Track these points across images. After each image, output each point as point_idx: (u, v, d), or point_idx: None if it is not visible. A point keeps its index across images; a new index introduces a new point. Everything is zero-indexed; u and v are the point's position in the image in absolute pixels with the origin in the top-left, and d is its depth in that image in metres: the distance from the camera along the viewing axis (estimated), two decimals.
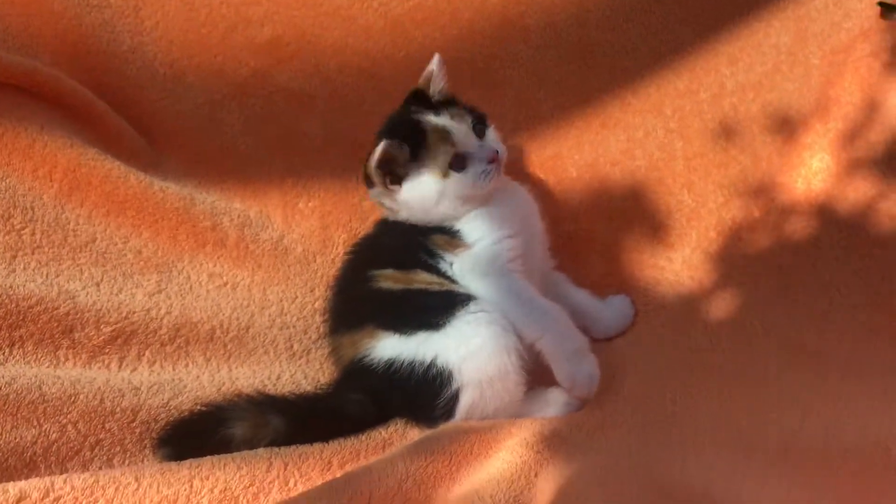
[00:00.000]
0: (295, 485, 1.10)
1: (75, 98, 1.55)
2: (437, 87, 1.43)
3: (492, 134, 1.41)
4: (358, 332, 1.32)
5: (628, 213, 1.58)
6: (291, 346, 1.49)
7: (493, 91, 1.63)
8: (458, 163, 1.34)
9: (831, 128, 1.35)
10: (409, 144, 1.34)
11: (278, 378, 1.41)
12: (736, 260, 1.40)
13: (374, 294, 1.33)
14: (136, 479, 1.04)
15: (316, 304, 1.55)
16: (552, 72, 1.67)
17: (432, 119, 1.37)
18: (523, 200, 1.46)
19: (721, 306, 1.34)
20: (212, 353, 1.40)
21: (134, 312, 1.37)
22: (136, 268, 1.45)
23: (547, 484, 1.04)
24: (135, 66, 1.66)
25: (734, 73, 1.52)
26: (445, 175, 1.34)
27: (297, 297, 1.55)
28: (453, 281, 1.33)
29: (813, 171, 1.35)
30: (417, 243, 1.36)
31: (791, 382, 1.12)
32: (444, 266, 1.34)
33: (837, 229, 1.27)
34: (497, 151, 1.35)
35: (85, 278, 1.39)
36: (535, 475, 1.05)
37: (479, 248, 1.34)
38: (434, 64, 1.43)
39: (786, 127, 1.43)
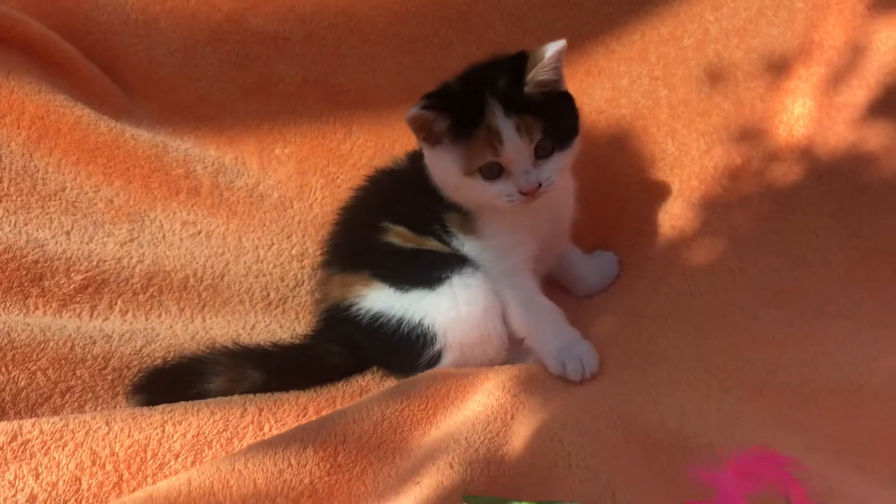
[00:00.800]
0: (270, 430, 1.11)
1: (44, 43, 1.53)
2: (540, 76, 1.19)
3: (559, 160, 1.21)
4: (352, 276, 1.31)
5: (613, 162, 1.57)
6: (268, 295, 1.48)
7: (474, 35, 1.62)
8: (490, 171, 1.19)
9: (814, 72, 1.34)
10: (457, 119, 1.18)
11: (253, 327, 1.41)
12: (717, 208, 1.40)
13: (380, 245, 1.31)
14: (107, 424, 1.04)
15: (293, 251, 1.54)
16: (536, 17, 1.65)
17: (497, 116, 1.17)
18: (558, 195, 1.30)
19: (700, 253, 1.34)
20: (185, 302, 1.40)
21: (105, 261, 1.35)
22: (108, 217, 1.44)
23: (522, 427, 1.05)
24: (106, 11, 1.63)
25: (718, 18, 1.50)
26: (470, 174, 1.20)
27: (273, 244, 1.54)
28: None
29: (795, 117, 1.35)
30: (435, 213, 1.29)
31: (767, 323, 1.13)
32: (455, 244, 1.30)
33: (817, 175, 1.27)
34: (539, 185, 1.18)
35: (55, 227, 1.38)
36: (512, 418, 1.06)
37: (489, 243, 1.28)
38: (550, 50, 1.18)
39: (769, 73, 1.42)
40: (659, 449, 0.95)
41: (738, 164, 1.41)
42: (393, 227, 1.30)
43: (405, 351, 1.26)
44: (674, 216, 1.46)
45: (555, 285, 1.46)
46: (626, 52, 1.59)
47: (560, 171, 1.21)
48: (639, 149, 1.54)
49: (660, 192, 1.50)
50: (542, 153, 1.19)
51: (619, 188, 1.55)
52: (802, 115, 1.34)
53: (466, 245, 1.29)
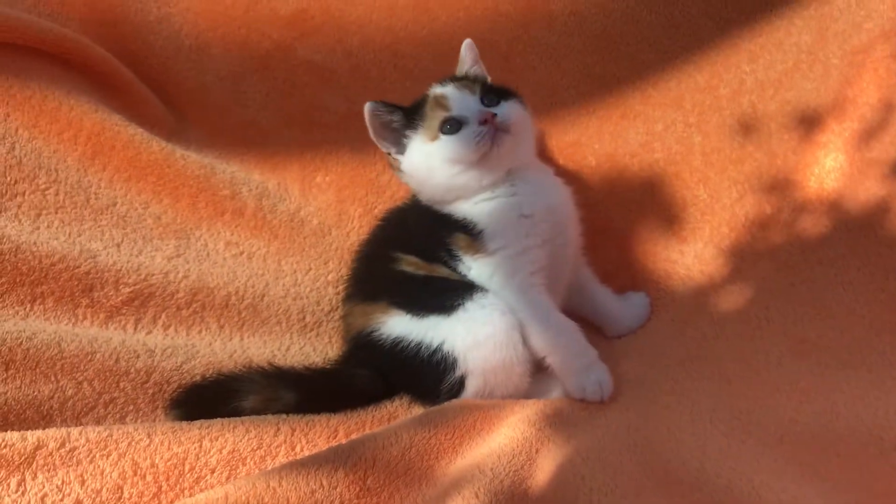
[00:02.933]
0: (301, 450, 1.15)
1: (102, 65, 1.60)
2: (464, 69, 1.44)
3: (510, 107, 1.36)
4: (372, 305, 1.35)
5: (645, 206, 1.60)
6: (304, 318, 1.52)
7: (515, 75, 1.65)
8: (450, 126, 1.32)
9: (847, 128, 1.36)
10: (409, 112, 1.37)
11: (288, 349, 1.46)
12: (746, 256, 1.42)
13: (395, 274, 1.35)
14: (149, 436, 1.09)
15: (329, 277, 1.59)
16: (575, 60, 1.69)
17: (437, 88, 1.38)
18: (554, 190, 1.42)
19: (728, 299, 1.37)
20: (226, 319, 1.44)
21: (153, 275, 1.40)
22: (156, 232, 1.49)
23: (546, 461, 1.07)
24: (161, 37, 1.70)
25: (754, 69, 1.53)
26: (434, 138, 1.33)
27: (310, 268, 1.59)
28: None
29: (826, 170, 1.37)
30: (440, 239, 1.35)
31: (790, 371, 1.15)
32: (462, 269, 1.33)
33: (846, 228, 1.29)
34: (494, 114, 1.30)
35: (106, 239, 1.43)
36: (536, 451, 1.09)
37: (500, 257, 1.31)
38: (462, 49, 1.45)
39: (802, 125, 1.44)
40: (679, 487, 0.97)
41: (769, 213, 1.43)
42: (404, 257, 1.36)
43: (427, 375, 1.28)
44: (704, 261, 1.48)
45: (586, 325, 1.49)
46: (661, 98, 1.62)
47: (519, 117, 1.35)
48: (671, 193, 1.57)
49: (691, 237, 1.52)
50: (488, 103, 1.34)
51: (651, 231, 1.57)
52: (834, 169, 1.36)
53: (474, 268, 1.32)
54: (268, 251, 1.57)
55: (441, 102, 1.35)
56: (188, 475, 1.06)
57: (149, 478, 1.04)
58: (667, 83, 1.63)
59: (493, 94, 1.37)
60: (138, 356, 1.28)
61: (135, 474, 1.03)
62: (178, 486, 1.05)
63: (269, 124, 1.71)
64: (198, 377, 1.30)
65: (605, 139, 1.66)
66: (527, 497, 1.03)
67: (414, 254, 1.35)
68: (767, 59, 1.52)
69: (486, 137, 1.30)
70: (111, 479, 1.02)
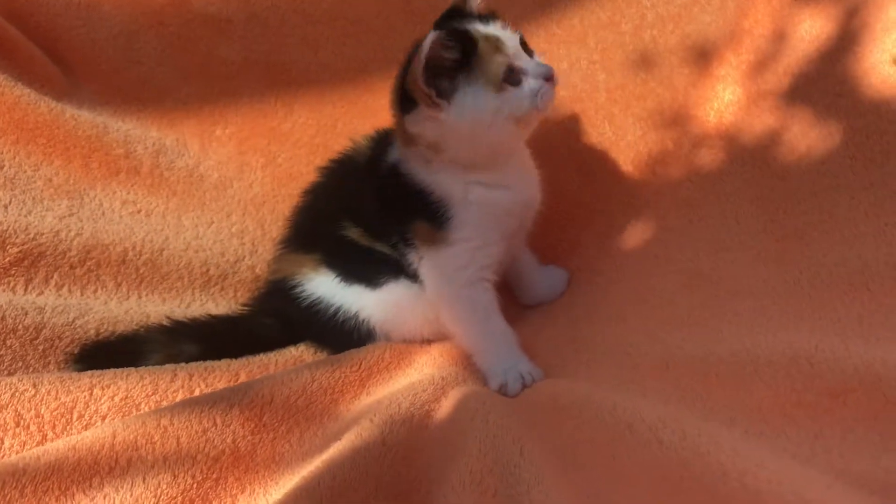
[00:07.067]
0: (200, 394, 1.17)
1: None
2: (474, 3, 1.30)
3: (539, 59, 1.27)
4: (305, 256, 1.39)
5: (551, 146, 1.64)
6: (207, 270, 1.55)
7: (417, 17, 1.71)
8: (512, 76, 1.21)
9: (743, 60, 1.44)
10: (462, 45, 1.19)
11: (188, 306, 1.49)
12: (647, 194, 1.49)
13: (338, 237, 1.36)
14: (34, 386, 1.10)
15: (233, 229, 1.63)
16: None
17: (481, 28, 1.24)
18: (534, 180, 1.40)
19: (629, 240, 1.44)
20: (123, 277, 1.46)
21: (42, 234, 1.41)
22: (46, 194, 1.50)
23: (449, 401, 1.12)
24: None
25: (655, 4, 1.60)
26: (500, 89, 1.21)
27: (213, 221, 1.63)
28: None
29: (724, 104, 1.44)
30: (396, 224, 1.32)
31: (683, 304, 1.21)
32: (411, 257, 1.31)
33: (741, 162, 1.36)
34: (553, 71, 1.23)
35: None
36: (441, 389, 1.14)
37: (458, 248, 1.28)
38: None
39: (701, 59, 1.52)
40: (568, 410, 1.01)
41: (670, 149, 1.50)
42: (351, 227, 1.36)
43: (341, 338, 1.35)
44: (608, 201, 1.55)
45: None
46: (565, 36, 1.69)
47: None
48: (577, 132, 1.63)
49: (595, 177, 1.59)
50: (526, 50, 1.26)
51: (557, 172, 1.62)
52: (731, 103, 1.43)
53: (425, 258, 1.30)
54: (166, 208, 1.60)
55: (498, 47, 1.21)
56: (76, 423, 1.08)
57: (32, 428, 1.06)
58: (570, 20, 1.69)
59: (525, 44, 1.28)
60: (27, 313, 1.28)
61: (17, 425, 1.05)
62: (66, 433, 1.07)
63: (165, 80, 1.73)
64: (92, 332, 1.32)
65: None
66: (426, 417, 1.07)
67: (362, 227, 1.35)
68: None
69: (550, 96, 1.24)
70: None
